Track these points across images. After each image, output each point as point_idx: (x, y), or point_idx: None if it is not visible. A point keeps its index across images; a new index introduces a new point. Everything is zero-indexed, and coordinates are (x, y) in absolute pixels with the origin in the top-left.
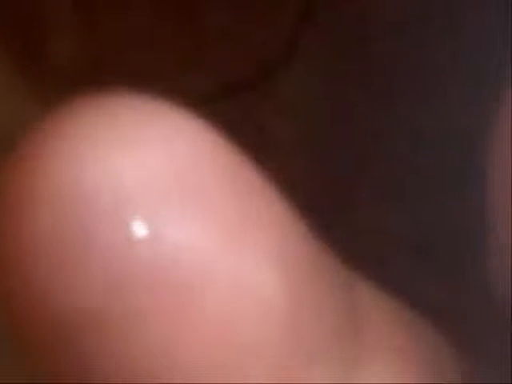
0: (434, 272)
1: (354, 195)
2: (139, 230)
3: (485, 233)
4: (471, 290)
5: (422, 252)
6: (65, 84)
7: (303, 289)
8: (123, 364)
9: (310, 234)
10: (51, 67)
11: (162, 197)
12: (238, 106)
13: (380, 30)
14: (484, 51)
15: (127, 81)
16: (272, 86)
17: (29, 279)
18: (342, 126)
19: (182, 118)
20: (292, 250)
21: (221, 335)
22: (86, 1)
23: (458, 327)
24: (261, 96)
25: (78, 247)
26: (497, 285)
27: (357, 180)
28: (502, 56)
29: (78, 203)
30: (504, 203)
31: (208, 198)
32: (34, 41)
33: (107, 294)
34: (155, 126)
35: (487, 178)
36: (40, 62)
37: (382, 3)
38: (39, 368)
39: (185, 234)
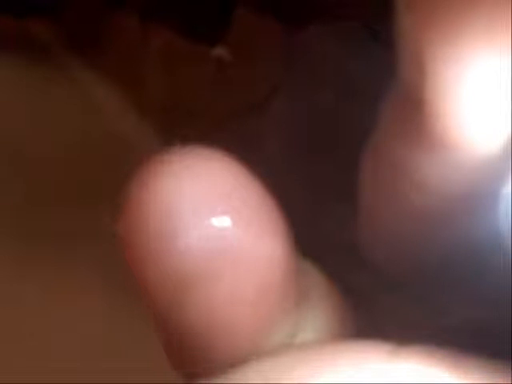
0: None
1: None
2: (216, 223)
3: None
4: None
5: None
6: (160, 105)
7: (290, 257)
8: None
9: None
10: (150, 96)
11: (219, 205)
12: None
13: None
14: None
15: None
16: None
17: (156, 248)
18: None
19: (225, 160)
20: (286, 232)
21: (252, 281)
22: (167, 59)
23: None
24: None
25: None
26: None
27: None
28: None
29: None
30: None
31: (241, 205)
32: (138, 80)
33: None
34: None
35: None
36: (143, 93)
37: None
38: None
39: (232, 229)
